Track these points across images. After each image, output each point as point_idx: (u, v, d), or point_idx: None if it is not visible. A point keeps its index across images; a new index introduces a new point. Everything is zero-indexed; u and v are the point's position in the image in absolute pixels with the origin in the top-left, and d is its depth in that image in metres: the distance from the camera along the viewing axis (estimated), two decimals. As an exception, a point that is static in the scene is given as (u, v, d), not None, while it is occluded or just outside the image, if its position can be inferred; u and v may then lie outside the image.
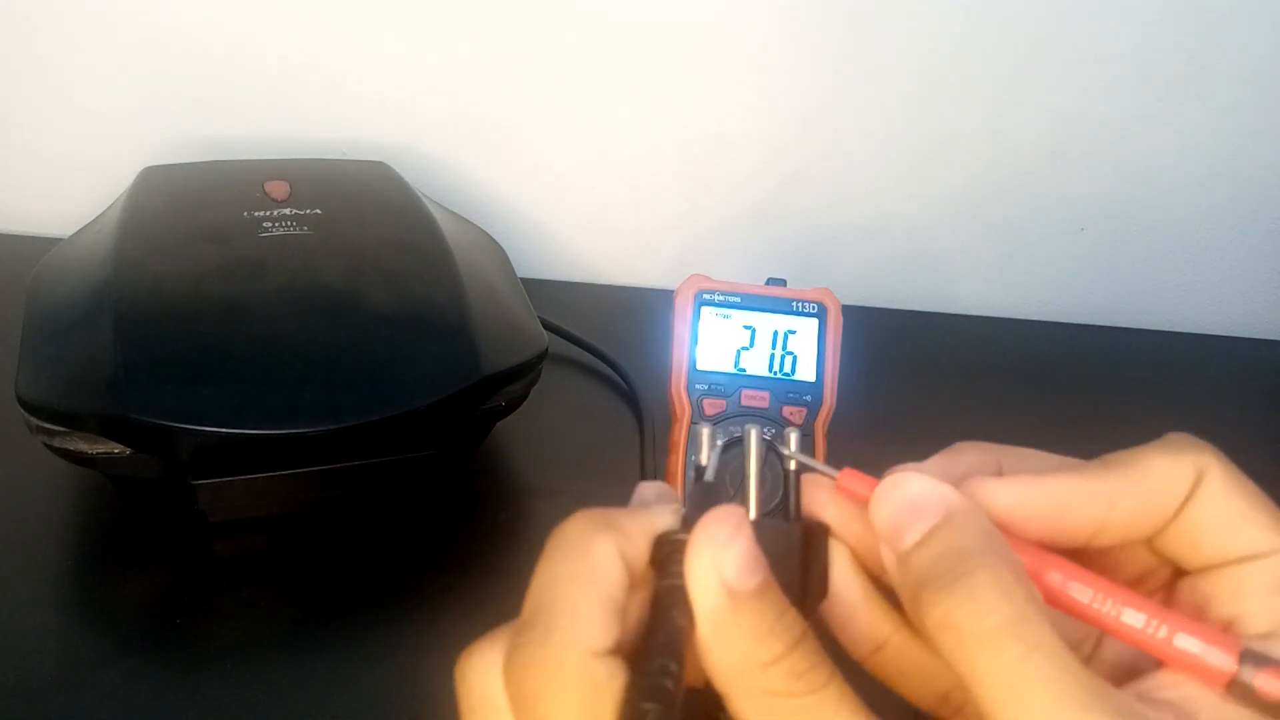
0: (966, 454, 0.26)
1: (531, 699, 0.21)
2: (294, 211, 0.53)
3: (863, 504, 0.24)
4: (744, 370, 0.47)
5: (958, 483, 0.24)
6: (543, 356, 0.51)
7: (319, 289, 0.48)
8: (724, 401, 0.46)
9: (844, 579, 0.25)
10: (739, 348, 0.47)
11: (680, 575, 0.22)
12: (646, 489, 0.25)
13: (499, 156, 0.72)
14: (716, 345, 0.47)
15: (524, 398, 0.51)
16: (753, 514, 0.24)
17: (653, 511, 0.24)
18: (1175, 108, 0.69)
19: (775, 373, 0.47)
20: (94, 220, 0.55)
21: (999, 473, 0.25)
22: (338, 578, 0.48)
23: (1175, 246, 0.74)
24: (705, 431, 0.26)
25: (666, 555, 0.22)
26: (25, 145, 0.71)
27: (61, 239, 0.54)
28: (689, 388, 0.46)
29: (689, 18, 0.66)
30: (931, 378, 0.66)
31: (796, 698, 0.21)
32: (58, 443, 0.44)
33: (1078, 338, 0.74)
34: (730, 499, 0.23)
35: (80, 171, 0.71)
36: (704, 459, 0.26)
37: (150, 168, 0.57)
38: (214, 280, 0.48)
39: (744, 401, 0.46)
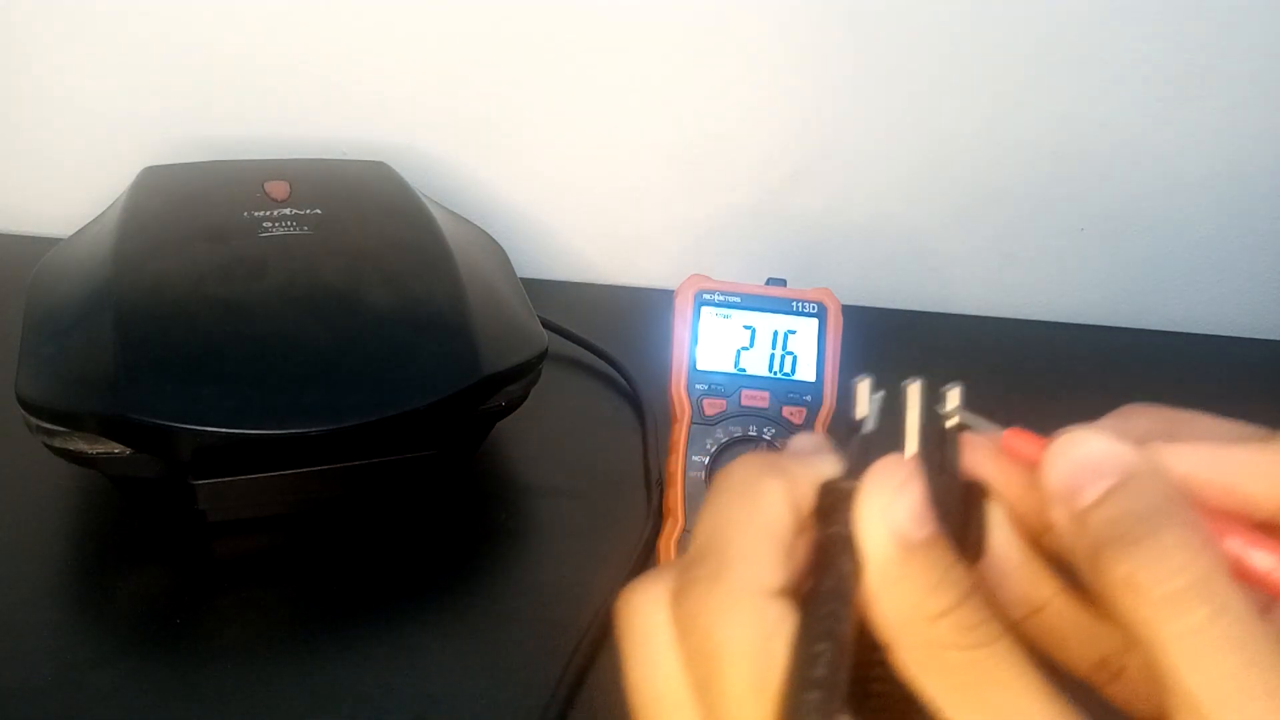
0: (1139, 417, 0.25)
1: (703, 635, 0.21)
2: (294, 211, 0.53)
3: (1028, 464, 0.23)
4: (744, 370, 0.47)
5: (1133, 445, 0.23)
6: (543, 356, 0.51)
7: (319, 289, 0.48)
8: (724, 401, 0.46)
9: (1002, 540, 0.24)
10: (739, 348, 0.47)
11: (847, 524, 0.22)
12: (802, 440, 0.25)
13: (499, 156, 0.72)
14: (716, 345, 0.47)
15: (524, 398, 0.51)
16: None
17: (818, 459, 0.24)
18: (1175, 108, 0.69)
19: (775, 373, 0.47)
20: (94, 220, 0.55)
21: (1172, 438, 0.24)
22: (338, 578, 0.48)
23: (1175, 246, 0.74)
24: (865, 382, 0.25)
25: (831, 504, 0.22)
26: (25, 145, 0.71)
27: (61, 239, 0.54)
28: (689, 388, 0.46)
29: (689, 18, 0.66)
30: (931, 378, 0.66)
31: (965, 651, 0.20)
32: (58, 443, 0.44)
33: (1078, 338, 0.74)
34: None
35: (80, 171, 0.71)
36: (861, 410, 0.25)
37: (150, 168, 0.57)
38: (214, 280, 0.48)
39: (744, 401, 0.46)
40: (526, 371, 0.50)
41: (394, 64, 0.68)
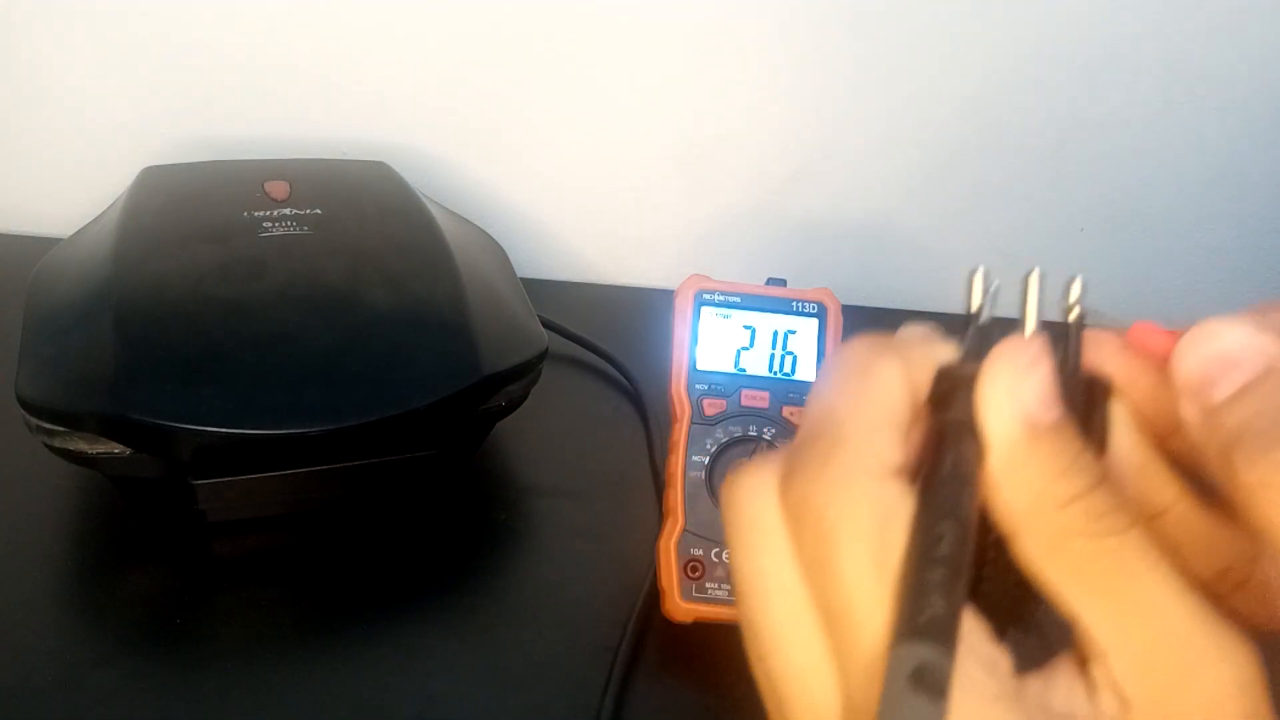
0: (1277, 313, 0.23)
1: (817, 518, 0.20)
2: (294, 211, 0.52)
3: (1157, 359, 0.22)
4: (744, 370, 0.47)
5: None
6: (543, 356, 0.51)
7: (319, 289, 0.48)
8: (724, 401, 0.46)
9: (1125, 439, 0.23)
10: (739, 348, 0.47)
11: (967, 410, 0.21)
12: (913, 329, 0.23)
13: (499, 156, 0.72)
14: (716, 345, 0.47)
15: (524, 398, 0.51)
16: None
17: (933, 344, 0.22)
18: (1175, 108, 0.69)
19: (775, 373, 0.47)
20: (94, 220, 0.55)
21: None
22: (338, 578, 0.48)
23: (1175, 246, 0.74)
24: (980, 272, 0.24)
25: (949, 389, 0.21)
26: (25, 145, 0.71)
27: (61, 239, 0.54)
28: (689, 388, 0.46)
29: (689, 18, 0.66)
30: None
31: (1095, 540, 0.19)
32: (58, 443, 0.44)
33: (1078, 338, 0.74)
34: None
35: (80, 171, 0.71)
36: (976, 301, 0.23)
37: (150, 168, 0.57)
38: (214, 280, 0.48)
39: (744, 401, 0.46)
40: (526, 371, 0.50)
41: (394, 64, 0.68)
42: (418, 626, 0.45)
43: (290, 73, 0.69)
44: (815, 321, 0.47)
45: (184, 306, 0.46)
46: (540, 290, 0.59)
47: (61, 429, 0.44)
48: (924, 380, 0.22)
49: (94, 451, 0.44)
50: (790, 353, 0.47)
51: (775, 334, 0.47)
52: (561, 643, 0.45)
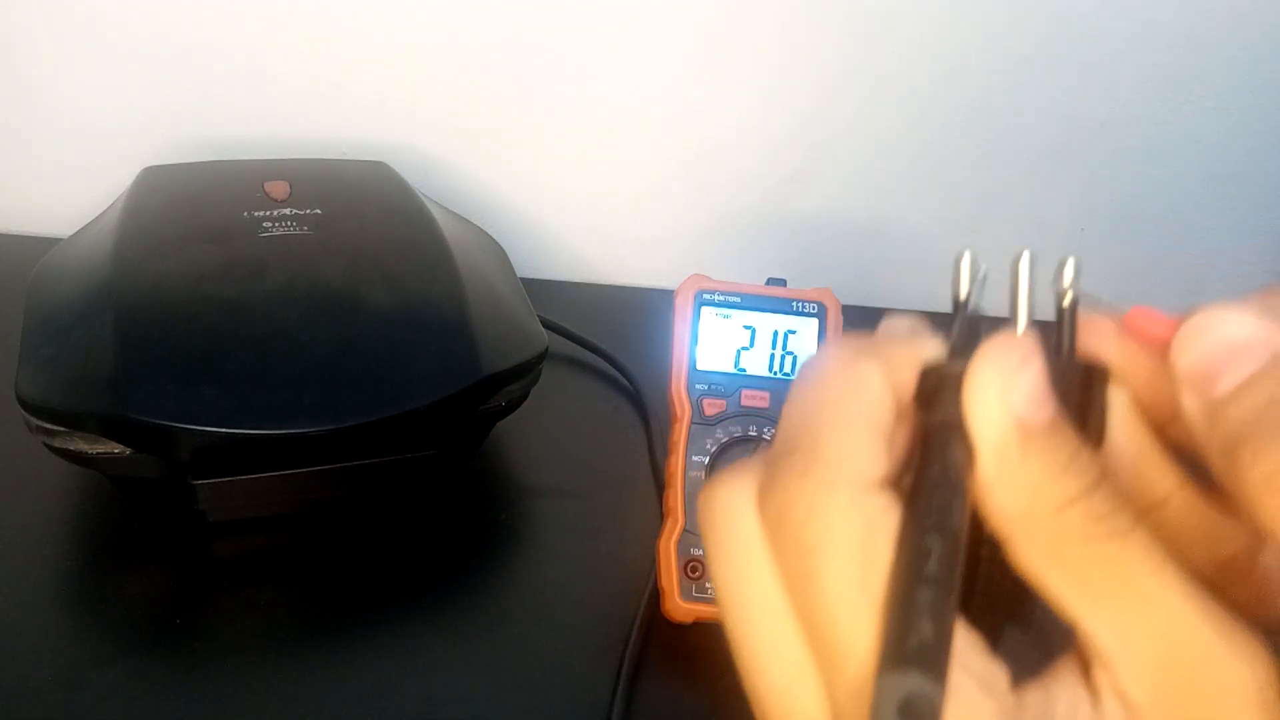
0: None
1: (797, 532, 0.19)
2: (294, 211, 0.52)
3: (1155, 346, 0.21)
4: (744, 370, 0.47)
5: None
6: (543, 356, 0.51)
7: (319, 289, 0.48)
8: (724, 401, 0.46)
9: (1124, 428, 0.22)
10: (739, 348, 0.47)
11: (955, 410, 0.20)
12: (896, 322, 0.22)
13: (499, 156, 0.72)
14: (717, 345, 0.47)
15: (524, 398, 0.51)
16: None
17: (916, 340, 0.21)
18: (1175, 108, 0.69)
19: (775, 373, 0.47)
20: (94, 220, 0.55)
21: None
22: (338, 578, 0.48)
23: (1175, 246, 0.74)
24: (966, 256, 0.22)
25: (935, 388, 0.20)
26: (25, 145, 0.71)
27: (61, 239, 0.54)
28: (689, 388, 0.46)
29: (690, 18, 0.66)
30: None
31: (1096, 544, 0.18)
32: (58, 443, 0.44)
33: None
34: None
35: (80, 171, 0.71)
36: (964, 289, 0.22)
37: (150, 168, 0.57)
38: (214, 280, 0.48)
39: (744, 401, 0.46)
40: (526, 371, 0.50)
41: (394, 64, 0.68)
42: (418, 626, 0.45)
43: (290, 73, 0.69)
44: (815, 321, 0.47)
45: (184, 306, 0.46)
46: (540, 290, 0.59)
47: (61, 429, 0.44)
48: (908, 380, 0.21)
49: (94, 451, 0.44)
50: (790, 353, 0.47)
51: (775, 334, 0.47)
52: (561, 642, 0.45)
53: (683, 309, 0.47)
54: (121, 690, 0.41)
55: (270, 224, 0.51)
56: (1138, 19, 0.66)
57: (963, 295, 0.22)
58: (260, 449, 0.44)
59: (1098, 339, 0.22)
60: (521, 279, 0.57)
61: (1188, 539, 0.22)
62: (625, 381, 0.62)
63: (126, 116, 0.70)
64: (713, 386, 0.46)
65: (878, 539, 0.19)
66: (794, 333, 0.47)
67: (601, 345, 0.64)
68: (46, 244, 0.54)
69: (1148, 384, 0.22)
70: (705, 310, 0.47)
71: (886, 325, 0.22)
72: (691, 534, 0.44)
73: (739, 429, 0.46)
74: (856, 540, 0.19)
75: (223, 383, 0.44)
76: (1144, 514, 0.21)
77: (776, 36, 0.67)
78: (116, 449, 0.44)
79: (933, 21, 0.66)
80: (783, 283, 0.48)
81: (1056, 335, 0.22)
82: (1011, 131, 0.70)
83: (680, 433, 0.46)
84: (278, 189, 0.54)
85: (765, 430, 0.46)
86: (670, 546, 0.44)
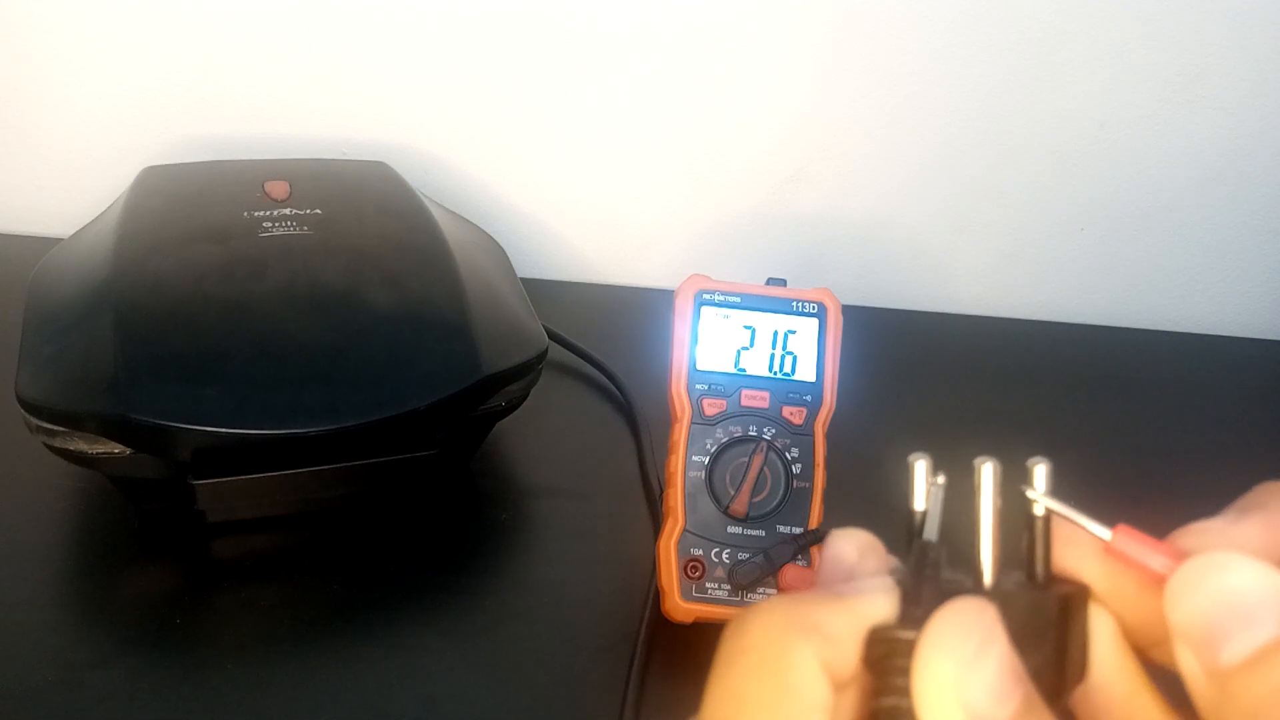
0: None
1: None
2: (294, 211, 0.53)
3: (1144, 576, 0.19)
4: (744, 370, 0.47)
5: None
6: (543, 356, 0.51)
7: (319, 289, 0.48)
8: (724, 402, 0.46)
9: (1108, 660, 0.20)
10: (739, 348, 0.47)
11: (906, 690, 0.17)
12: (843, 544, 0.20)
13: (499, 156, 0.72)
14: (716, 345, 0.47)
15: (524, 398, 0.51)
16: (989, 576, 0.19)
17: (861, 596, 0.19)
18: (1175, 108, 0.69)
19: (775, 373, 0.47)
20: (94, 220, 0.55)
21: None
22: (338, 578, 0.48)
23: (1175, 246, 0.74)
24: (921, 462, 0.20)
25: (885, 656, 0.18)
26: (25, 145, 0.71)
27: (61, 239, 0.54)
28: (689, 388, 0.46)
29: (690, 18, 0.66)
30: (931, 378, 0.66)
31: None
32: (58, 443, 0.44)
33: (1078, 338, 0.74)
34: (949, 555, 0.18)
35: (80, 171, 0.71)
36: (919, 504, 0.20)
37: (150, 168, 0.57)
38: (214, 280, 0.48)
39: (744, 402, 0.46)
40: (526, 371, 0.50)
41: (394, 64, 0.68)
42: (418, 626, 0.45)
43: (290, 73, 0.69)
44: (815, 321, 0.47)
45: (184, 307, 0.46)
46: (540, 290, 0.59)
47: (61, 429, 0.44)
48: (850, 655, 0.18)
49: (94, 451, 0.44)
50: (790, 353, 0.47)
51: (775, 334, 0.47)
52: (562, 643, 0.45)
53: (683, 309, 0.47)
54: (121, 690, 0.41)
55: (270, 224, 0.51)
56: (1138, 19, 0.66)
57: (918, 511, 0.20)
58: (260, 449, 0.44)
59: (1076, 557, 0.20)
60: (521, 279, 0.57)
61: None
62: (616, 392, 0.61)
63: (126, 116, 0.70)
64: (713, 386, 0.46)
65: None
66: (794, 333, 0.47)
67: (599, 349, 0.63)
68: (46, 244, 0.54)
69: (1133, 608, 0.20)
70: (705, 310, 0.47)
71: (832, 549, 0.20)
72: (691, 534, 0.44)
73: (739, 429, 0.46)
74: None
75: (223, 383, 0.44)
76: None
77: (777, 37, 0.67)
78: (116, 449, 0.44)
79: (933, 22, 0.66)
80: (783, 283, 0.48)
81: (1029, 553, 0.20)
82: (1011, 131, 0.70)
83: (680, 433, 0.46)
84: (278, 189, 0.54)
85: (765, 430, 0.46)
86: (670, 546, 0.44)
